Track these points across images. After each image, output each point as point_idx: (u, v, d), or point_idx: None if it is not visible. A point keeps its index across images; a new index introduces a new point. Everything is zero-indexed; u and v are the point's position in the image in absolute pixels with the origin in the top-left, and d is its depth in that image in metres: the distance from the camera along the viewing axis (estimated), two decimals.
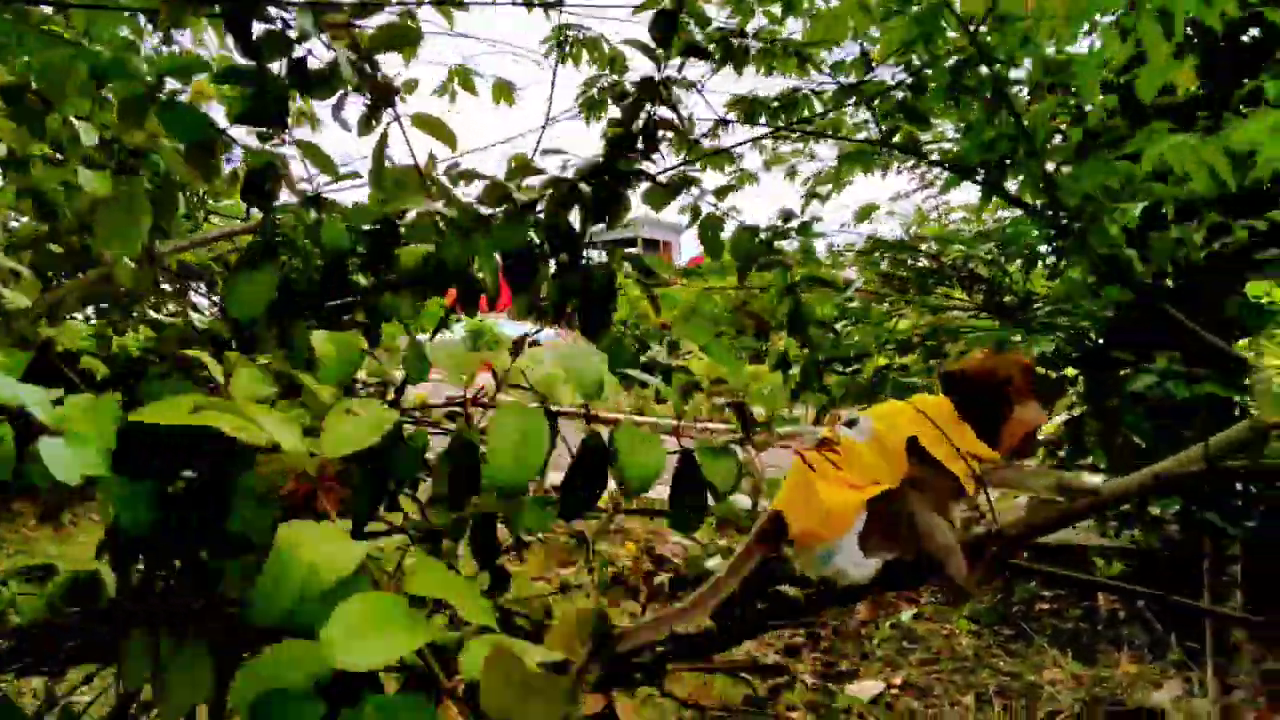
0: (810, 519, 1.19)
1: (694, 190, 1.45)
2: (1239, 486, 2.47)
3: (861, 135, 2.04)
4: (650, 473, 0.86)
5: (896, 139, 1.93)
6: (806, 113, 1.85)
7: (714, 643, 1.19)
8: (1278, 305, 2.39)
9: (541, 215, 1.09)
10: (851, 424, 1.30)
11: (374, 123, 1.14)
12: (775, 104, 1.88)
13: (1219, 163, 1.50)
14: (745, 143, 2.07)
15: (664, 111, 1.23)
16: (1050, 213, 1.65)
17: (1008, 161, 1.67)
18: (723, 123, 1.93)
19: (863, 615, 3.87)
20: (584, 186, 1.11)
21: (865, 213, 1.84)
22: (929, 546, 1.21)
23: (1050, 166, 1.71)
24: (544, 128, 1.72)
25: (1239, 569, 2.52)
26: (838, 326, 2.46)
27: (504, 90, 2.21)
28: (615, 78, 1.95)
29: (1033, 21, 1.60)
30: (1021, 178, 1.68)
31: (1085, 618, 3.69)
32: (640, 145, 1.12)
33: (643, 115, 1.16)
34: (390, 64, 1.28)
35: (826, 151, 2.23)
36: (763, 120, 1.94)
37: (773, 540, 1.23)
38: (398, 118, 1.13)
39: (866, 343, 2.47)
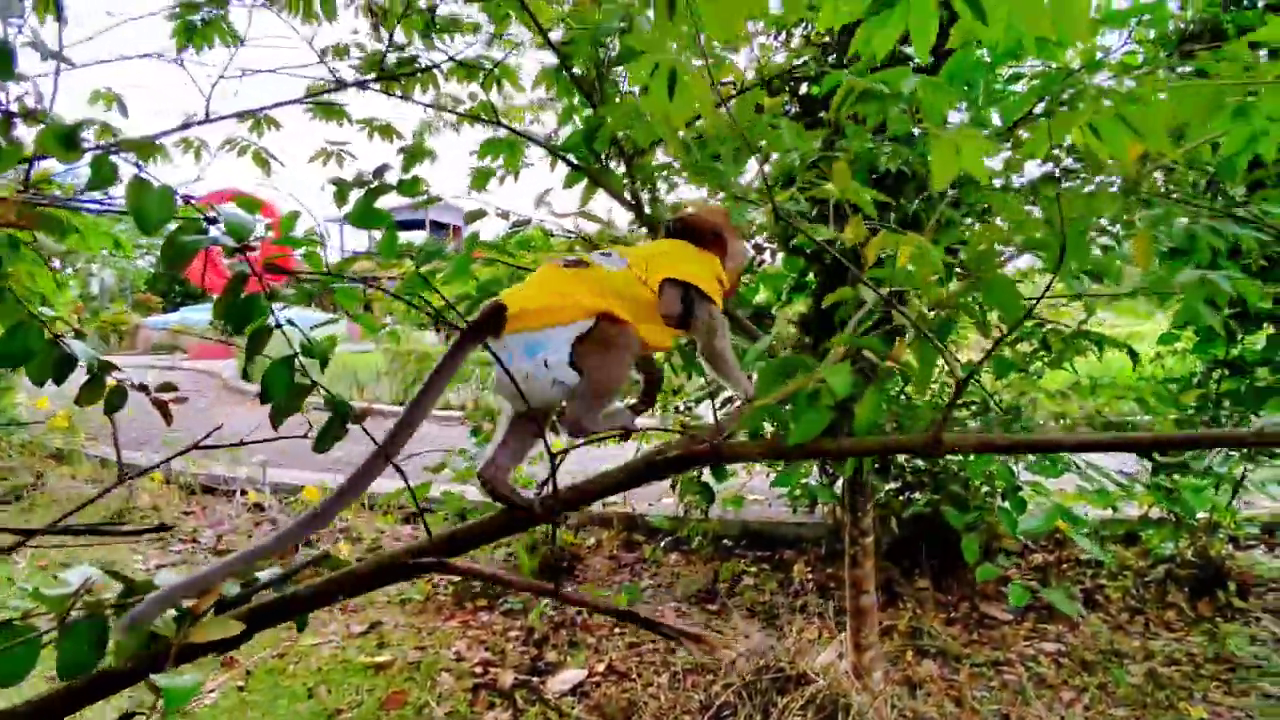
0: (529, 301, 1.15)
1: None
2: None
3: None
4: None
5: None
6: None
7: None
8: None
9: None
10: (606, 254, 1.28)
11: None
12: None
13: None
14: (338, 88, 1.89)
15: None
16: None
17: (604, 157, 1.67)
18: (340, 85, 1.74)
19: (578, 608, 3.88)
20: None
21: (481, 179, 1.77)
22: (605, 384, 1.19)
23: None
24: None
25: (872, 541, 2.80)
26: None
27: None
28: None
29: None
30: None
31: (779, 589, 3.99)
32: None
33: None
34: None
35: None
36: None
37: (486, 330, 1.15)
38: None
39: None
